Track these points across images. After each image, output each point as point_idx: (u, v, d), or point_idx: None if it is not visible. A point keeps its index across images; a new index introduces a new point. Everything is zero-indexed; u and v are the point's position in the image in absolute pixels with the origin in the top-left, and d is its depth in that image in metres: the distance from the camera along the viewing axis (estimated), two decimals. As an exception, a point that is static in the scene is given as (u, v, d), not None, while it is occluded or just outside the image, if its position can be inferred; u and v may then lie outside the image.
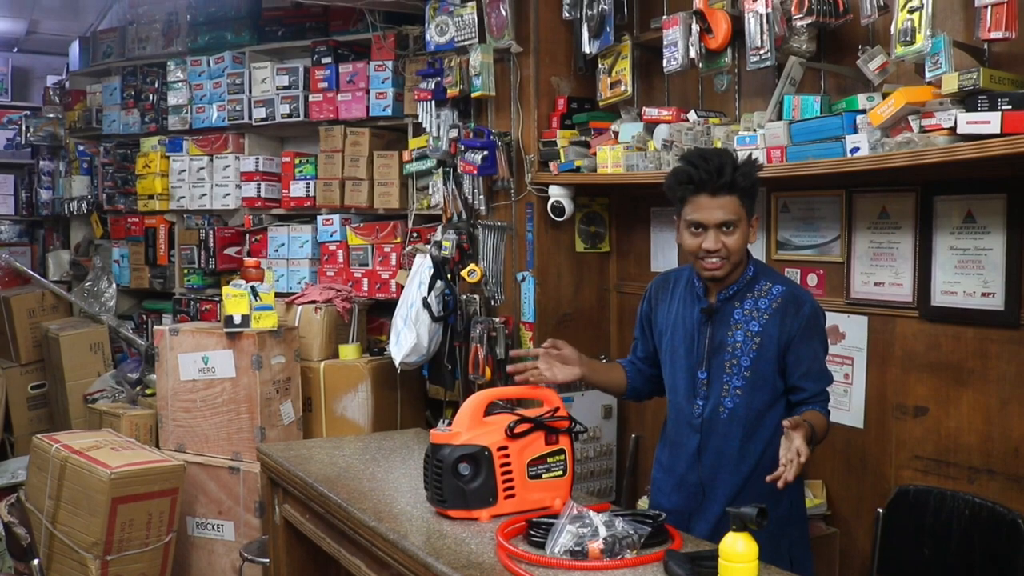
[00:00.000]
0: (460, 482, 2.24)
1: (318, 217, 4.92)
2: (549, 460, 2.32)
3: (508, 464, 2.26)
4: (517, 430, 2.27)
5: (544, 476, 2.31)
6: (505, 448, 2.27)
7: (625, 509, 2.17)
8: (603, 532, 1.96)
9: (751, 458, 2.39)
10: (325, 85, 4.86)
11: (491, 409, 2.35)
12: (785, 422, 2.15)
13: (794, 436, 2.13)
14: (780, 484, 2.07)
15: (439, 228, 4.30)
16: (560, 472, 2.33)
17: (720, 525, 2.11)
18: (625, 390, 2.71)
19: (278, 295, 4.37)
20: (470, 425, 2.28)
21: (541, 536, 2.03)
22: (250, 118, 5.14)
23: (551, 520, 2.05)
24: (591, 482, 3.98)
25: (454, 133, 4.15)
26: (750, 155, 2.70)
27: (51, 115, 6.66)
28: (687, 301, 2.49)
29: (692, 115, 3.37)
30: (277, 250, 5.07)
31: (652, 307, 2.62)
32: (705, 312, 2.43)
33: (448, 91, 4.12)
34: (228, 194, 5.27)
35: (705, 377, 2.42)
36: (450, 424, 2.33)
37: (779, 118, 3.03)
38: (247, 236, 5.21)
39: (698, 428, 2.43)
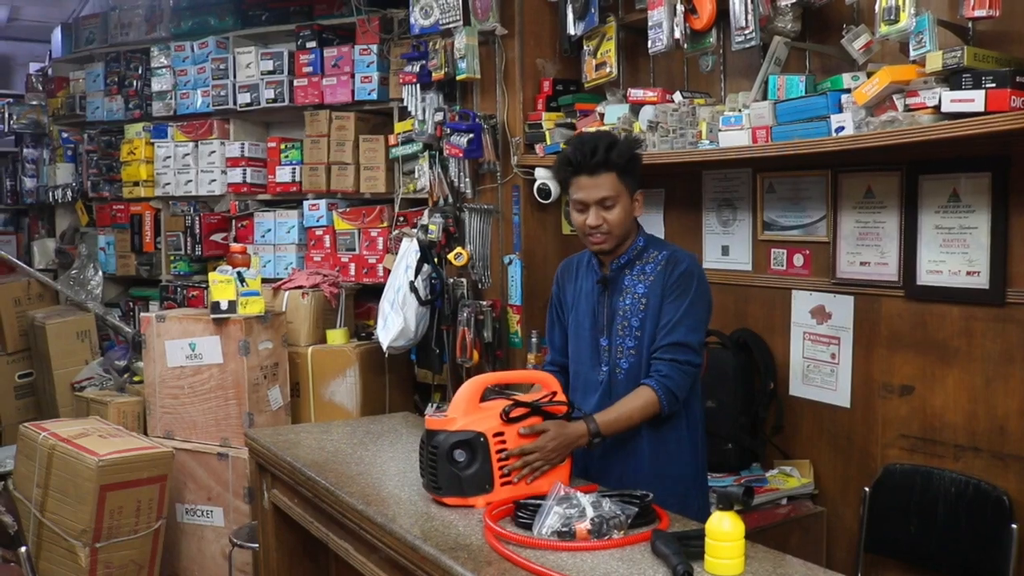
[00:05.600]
0: (455, 469, 2.20)
1: (304, 202, 4.90)
2: (547, 446, 2.31)
3: (504, 450, 2.24)
4: (513, 415, 2.26)
5: (542, 462, 2.31)
6: (501, 434, 2.24)
7: (612, 490, 2.16)
8: (590, 513, 1.97)
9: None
10: (310, 69, 4.84)
11: (487, 395, 2.34)
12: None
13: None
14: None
15: (425, 212, 4.29)
16: (558, 458, 2.33)
17: (650, 480, 2.37)
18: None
19: (265, 281, 4.36)
20: (466, 411, 2.26)
21: (529, 517, 2.03)
22: (235, 103, 5.11)
23: (539, 501, 2.05)
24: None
25: (439, 116, 4.13)
26: (630, 134, 2.98)
27: (34, 102, 6.61)
28: (588, 277, 2.63)
29: (677, 96, 3.37)
30: (263, 236, 5.05)
31: (561, 287, 2.73)
32: (600, 283, 2.56)
33: (433, 74, 4.10)
34: (214, 180, 5.25)
35: (607, 344, 2.53)
36: (439, 408, 2.32)
37: (764, 98, 3.03)
38: (233, 222, 5.18)
39: (598, 390, 2.53)
